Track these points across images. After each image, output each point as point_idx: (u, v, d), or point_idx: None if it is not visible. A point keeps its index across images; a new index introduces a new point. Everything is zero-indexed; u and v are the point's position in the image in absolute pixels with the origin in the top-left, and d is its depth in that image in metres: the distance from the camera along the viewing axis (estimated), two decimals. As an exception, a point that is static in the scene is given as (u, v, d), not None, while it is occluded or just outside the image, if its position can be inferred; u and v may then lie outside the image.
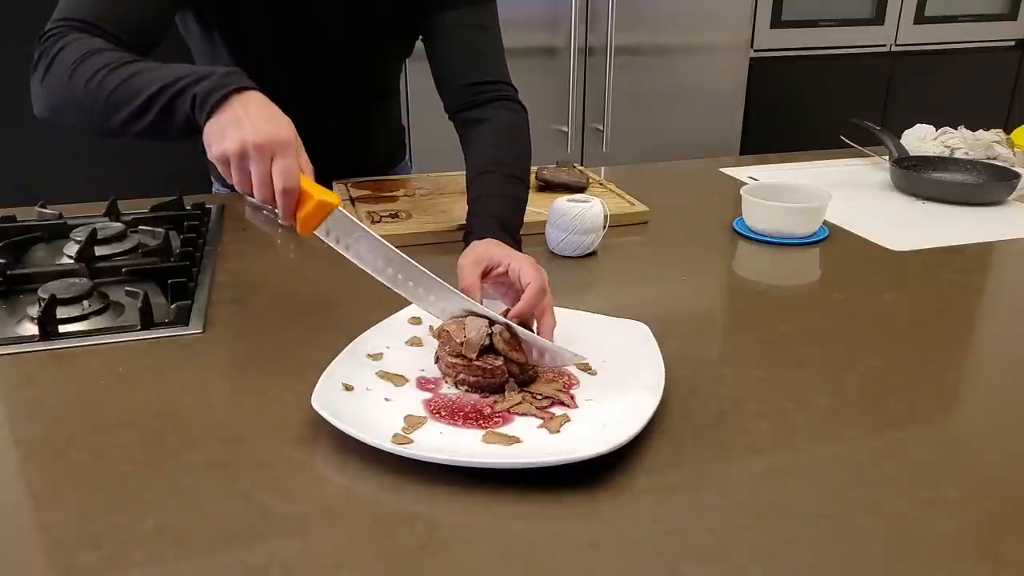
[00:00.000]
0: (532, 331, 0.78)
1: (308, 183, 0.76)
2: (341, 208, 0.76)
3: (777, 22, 2.61)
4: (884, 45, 2.80)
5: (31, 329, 0.87)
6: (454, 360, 0.74)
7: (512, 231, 0.92)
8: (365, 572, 0.54)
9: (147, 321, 0.87)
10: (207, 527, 0.57)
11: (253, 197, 0.76)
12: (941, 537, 0.57)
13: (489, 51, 1.12)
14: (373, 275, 0.78)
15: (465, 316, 0.77)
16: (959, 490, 0.62)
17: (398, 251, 0.77)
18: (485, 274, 0.82)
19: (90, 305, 0.91)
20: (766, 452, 0.66)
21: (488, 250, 0.84)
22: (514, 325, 0.76)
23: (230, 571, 0.54)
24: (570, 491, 0.61)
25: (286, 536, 0.57)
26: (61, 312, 0.88)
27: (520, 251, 0.91)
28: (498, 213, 0.93)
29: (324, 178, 1.33)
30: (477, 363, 0.73)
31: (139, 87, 0.81)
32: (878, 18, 2.74)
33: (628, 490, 0.62)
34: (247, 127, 0.74)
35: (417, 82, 2.15)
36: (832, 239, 1.17)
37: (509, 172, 0.99)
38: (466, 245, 0.88)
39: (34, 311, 0.88)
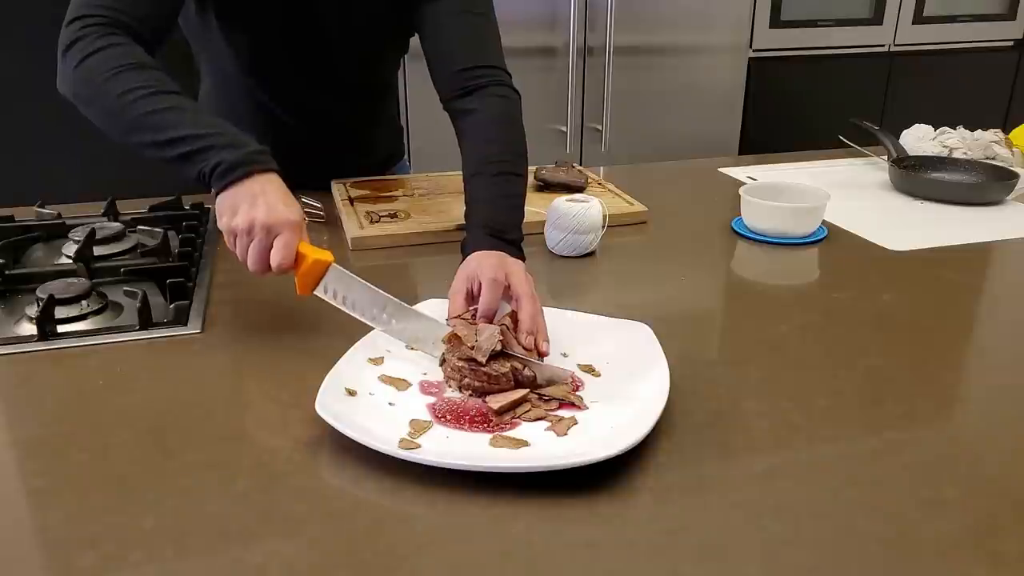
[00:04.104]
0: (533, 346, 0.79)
1: (306, 247, 0.80)
2: (336, 265, 0.80)
3: (776, 22, 2.61)
4: (883, 45, 2.80)
5: (30, 329, 0.86)
6: (461, 363, 0.74)
7: (503, 233, 0.91)
8: (364, 572, 0.54)
9: (146, 321, 0.87)
10: (206, 527, 0.57)
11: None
12: (941, 537, 0.57)
13: (480, 35, 1.11)
14: (371, 325, 0.81)
15: (476, 323, 0.78)
16: (959, 490, 0.62)
17: (393, 297, 0.80)
18: (471, 294, 0.84)
19: (89, 305, 0.91)
20: (766, 452, 0.66)
21: (472, 268, 0.85)
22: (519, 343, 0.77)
23: (229, 571, 0.53)
24: (570, 492, 0.61)
25: (285, 536, 0.57)
26: (60, 312, 0.88)
27: (517, 249, 0.91)
28: (486, 221, 0.93)
29: (324, 177, 1.34)
30: (484, 369, 0.72)
31: (167, 124, 0.84)
32: (877, 18, 2.75)
33: (628, 490, 0.61)
34: (260, 208, 0.79)
35: (416, 81, 2.15)
36: (831, 239, 1.17)
37: (500, 170, 0.98)
38: (463, 257, 0.89)
39: (33, 311, 0.88)
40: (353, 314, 0.81)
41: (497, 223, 0.92)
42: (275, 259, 0.78)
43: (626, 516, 0.59)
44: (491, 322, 0.80)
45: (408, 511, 0.60)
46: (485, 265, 0.84)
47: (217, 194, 0.82)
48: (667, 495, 0.61)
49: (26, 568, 0.54)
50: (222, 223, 0.80)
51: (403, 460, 0.63)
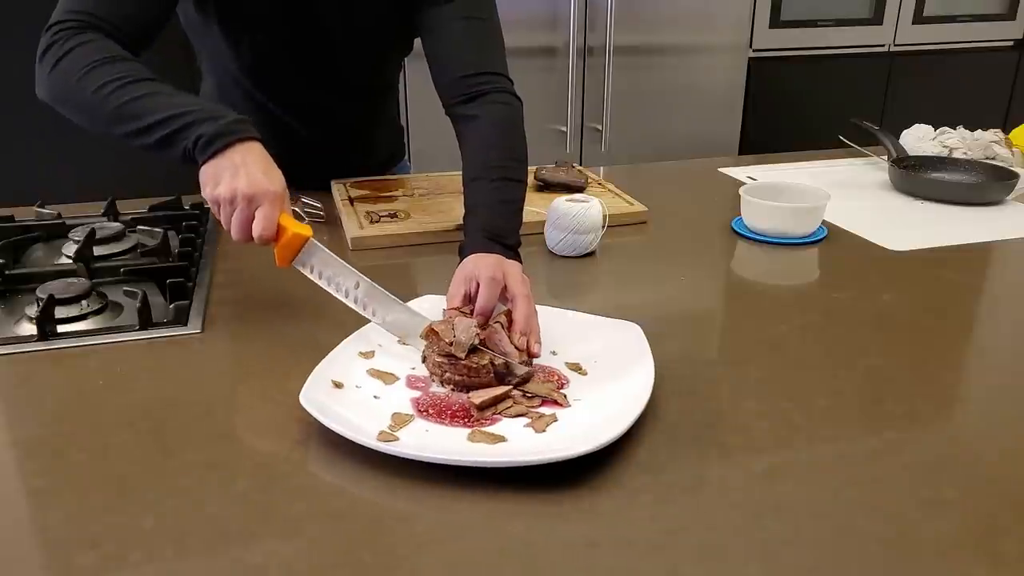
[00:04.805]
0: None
1: (286, 219, 0.82)
2: (314, 240, 0.83)
3: (776, 22, 2.61)
4: (883, 45, 2.80)
5: (29, 329, 0.86)
6: (440, 359, 0.74)
7: (501, 237, 0.91)
8: (363, 572, 0.54)
9: (145, 321, 0.87)
10: (205, 527, 0.57)
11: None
12: (940, 537, 0.57)
13: (483, 41, 1.11)
14: (346, 302, 0.83)
15: (453, 317, 0.78)
16: (958, 490, 0.62)
17: (366, 277, 0.83)
18: (469, 295, 0.84)
19: (88, 305, 0.91)
20: (766, 452, 0.66)
21: (470, 269, 0.85)
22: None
23: (229, 571, 0.53)
24: (569, 490, 0.61)
25: (284, 536, 0.57)
26: (60, 312, 0.88)
27: (514, 254, 0.91)
28: (485, 225, 0.93)
29: (324, 177, 1.34)
30: (463, 362, 0.73)
31: (146, 110, 0.85)
32: (877, 18, 2.74)
33: (627, 489, 0.61)
34: (242, 178, 0.80)
35: (417, 82, 2.15)
36: (831, 239, 1.17)
37: (499, 176, 0.98)
38: (461, 260, 0.89)
39: (32, 311, 0.88)
40: (328, 289, 0.83)
41: (496, 227, 0.92)
42: (256, 230, 0.80)
43: (626, 515, 0.59)
44: (487, 320, 0.80)
45: (406, 510, 0.60)
46: (483, 265, 0.84)
47: (200, 166, 0.83)
48: (667, 495, 0.61)
49: (26, 568, 0.54)
50: (205, 192, 0.82)
51: (401, 458, 0.63)
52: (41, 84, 0.92)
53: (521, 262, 0.90)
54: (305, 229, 0.82)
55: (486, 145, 1.03)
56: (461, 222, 0.98)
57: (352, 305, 0.83)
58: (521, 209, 0.99)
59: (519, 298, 0.81)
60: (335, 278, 0.83)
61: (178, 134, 0.83)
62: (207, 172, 0.82)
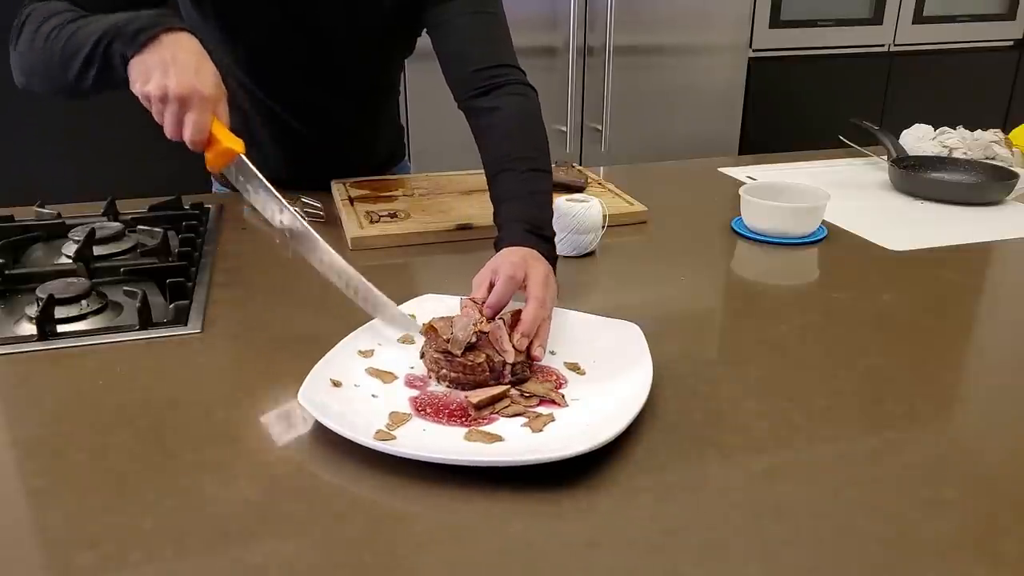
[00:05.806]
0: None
1: (220, 129, 0.80)
2: (243, 156, 0.82)
3: (776, 22, 2.61)
4: (883, 45, 2.80)
5: (29, 329, 0.86)
6: (438, 355, 0.74)
7: (539, 229, 0.90)
8: (363, 572, 0.54)
9: (145, 321, 0.87)
10: (205, 527, 0.57)
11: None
12: (940, 537, 0.57)
13: (494, 35, 1.11)
14: (272, 223, 0.84)
15: (466, 307, 0.79)
16: (958, 490, 0.62)
17: (290, 207, 0.83)
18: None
19: (88, 305, 0.91)
20: (765, 452, 0.66)
21: (496, 263, 0.84)
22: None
23: (229, 571, 0.53)
24: (569, 490, 0.61)
25: (284, 536, 0.57)
26: (59, 312, 0.88)
27: (552, 246, 0.90)
28: (521, 216, 0.91)
29: (324, 177, 1.34)
30: (459, 359, 0.73)
31: (83, 39, 0.84)
32: (876, 18, 2.74)
33: (627, 489, 0.61)
34: (172, 76, 0.78)
35: (417, 81, 2.15)
36: (831, 239, 1.17)
37: (528, 167, 0.97)
38: (497, 251, 0.88)
39: (32, 311, 0.88)
40: (255, 207, 0.84)
41: (533, 219, 0.91)
42: (186, 136, 0.79)
43: (625, 515, 0.59)
44: (495, 316, 0.80)
45: (407, 510, 0.60)
46: (506, 261, 0.83)
47: (131, 61, 0.81)
48: (667, 495, 0.61)
49: (26, 568, 0.54)
50: (135, 88, 0.81)
51: (401, 458, 0.63)
52: (14, 67, 0.91)
53: (556, 256, 0.89)
54: (237, 143, 0.81)
55: (509, 136, 1.02)
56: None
57: (279, 226, 0.84)
58: (551, 200, 0.97)
59: (532, 300, 0.80)
60: (259, 200, 0.83)
61: (111, 47, 0.81)
62: (136, 68, 0.80)
